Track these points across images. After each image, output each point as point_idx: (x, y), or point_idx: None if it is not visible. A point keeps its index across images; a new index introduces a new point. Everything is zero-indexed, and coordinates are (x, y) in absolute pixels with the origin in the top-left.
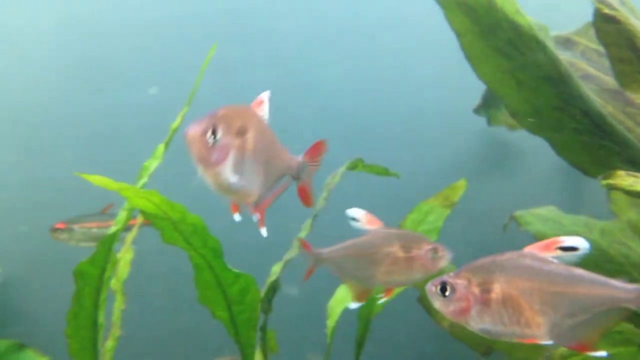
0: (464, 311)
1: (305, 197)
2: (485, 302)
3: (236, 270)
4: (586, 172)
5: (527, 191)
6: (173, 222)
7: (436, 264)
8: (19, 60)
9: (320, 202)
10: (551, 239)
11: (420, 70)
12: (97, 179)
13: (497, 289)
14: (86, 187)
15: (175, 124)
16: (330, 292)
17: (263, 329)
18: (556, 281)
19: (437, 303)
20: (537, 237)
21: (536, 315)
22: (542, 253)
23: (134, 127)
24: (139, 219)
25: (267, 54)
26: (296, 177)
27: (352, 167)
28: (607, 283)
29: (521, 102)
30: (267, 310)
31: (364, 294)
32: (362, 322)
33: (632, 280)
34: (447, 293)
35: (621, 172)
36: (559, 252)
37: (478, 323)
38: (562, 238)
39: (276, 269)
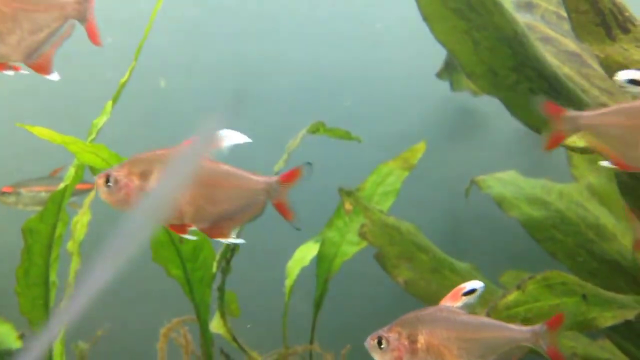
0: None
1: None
2: (413, 351)
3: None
4: (539, 132)
5: (490, 157)
6: None
7: None
8: None
9: (280, 163)
10: (455, 289)
11: (383, 33)
12: (40, 131)
13: (422, 340)
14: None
15: (123, 79)
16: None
17: (221, 289)
18: (469, 329)
19: (376, 355)
20: (496, 200)
21: (454, 358)
22: (452, 302)
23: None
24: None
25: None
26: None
27: (313, 130)
28: (508, 327)
29: (477, 62)
30: (225, 271)
31: None
32: (320, 282)
33: (588, 240)
34: (382, 346)
35: None
36: (464, 298)
37: None
38: (462, 285)
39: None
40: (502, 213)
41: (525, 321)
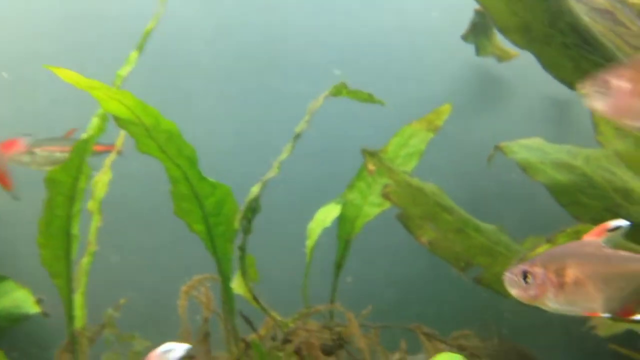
0: (541, 295)
1: None
2: (560, 285)
3: (212, 180)
4: (572, 87)
5: (514, 124)
6: (147, 128)
7: None
8: None
9: (302, 125)
10: (600, 225)
11: None
12: (66, 74)
13: (570, 274)
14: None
15: (149, 27)
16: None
17: (242, 248)
18: (614, 263)
19: (517, 290)
20: (522, 165)
21: (598, 292)
22: (596, 237)
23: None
24: (117, 145)
25: None
26: None
27: (336, 92)
28: None
29: (510, 16)
30: (247, 231)
31: None
32: (341, 242)
33: (615, 204)
34: (528, 280)
35: None
36: (609, 234)
37: (554, 303)
38: (608, 223)
39: (255, 189)
40: (526, 180)
41: None
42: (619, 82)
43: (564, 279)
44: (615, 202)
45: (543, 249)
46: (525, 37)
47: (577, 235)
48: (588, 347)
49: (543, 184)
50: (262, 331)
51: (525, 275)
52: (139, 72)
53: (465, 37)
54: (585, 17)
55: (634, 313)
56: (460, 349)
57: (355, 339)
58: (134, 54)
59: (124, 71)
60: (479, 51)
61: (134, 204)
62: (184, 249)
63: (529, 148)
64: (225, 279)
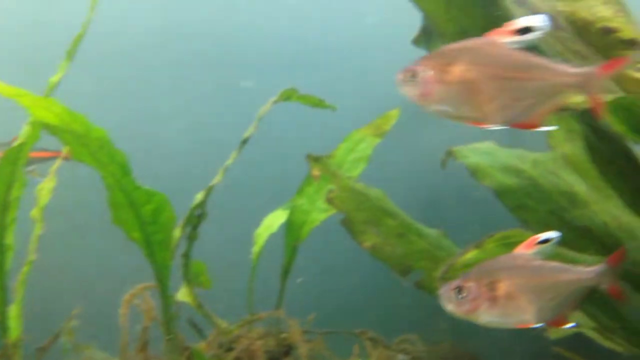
0: (475, 309)
1: None
2: (493, 299)
3: (148, 188)
4: None
5: (469, 129)
6: (77, 135)
7: None
8: None
9: (250, 130)
10: (530, 238)
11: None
12: None
13: (502, 287)
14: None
15: (79, 33)
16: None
17: (186, 255)
18: (543, 275)
19: (452, 306)
20: (470, 169)
21: (530, 304)
22: (526, 249)
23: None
24: (64, 151)
25: None
26: None
27: (286, 97)
28: (573, 270)
29: (449, 22)
30: (192, 237)
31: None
32: (289, 248)
33: (560, 208)
34: (462, 295)
35: None
36: (538, 246)
37: (488, 317)
38: (538, 235)
39: (200, 196)
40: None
41: None
42: (424, 70)
43: (496, 292)
44: (560, 205)
45: (472, 254)
46: None
47: (505, 240)
48: (537, 349)
49: (490, 188)
50: (210, 338)
51: (459, 291)
52: (89, 73)
53: (415, 42)
54: None
55: (565, 322)
56: (404, 354)
57: (297, 346)
58: (64, 62)
59: (55, 78)
60: None
61: (81, 210)
62: (129, 256)
63: (480, 152)
64: (164, 287)
